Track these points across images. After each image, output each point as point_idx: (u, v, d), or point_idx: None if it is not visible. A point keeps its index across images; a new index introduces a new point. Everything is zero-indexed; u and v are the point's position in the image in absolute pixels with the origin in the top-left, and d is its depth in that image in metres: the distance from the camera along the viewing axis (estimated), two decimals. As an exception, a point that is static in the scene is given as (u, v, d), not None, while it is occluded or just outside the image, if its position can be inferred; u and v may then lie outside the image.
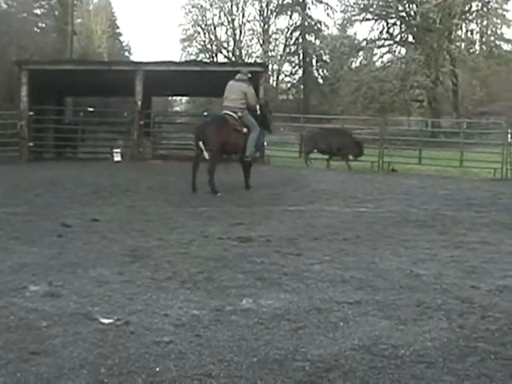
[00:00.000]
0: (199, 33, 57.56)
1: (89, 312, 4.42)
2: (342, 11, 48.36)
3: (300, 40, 55.72)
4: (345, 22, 48.14)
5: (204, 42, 57.90)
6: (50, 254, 6.25)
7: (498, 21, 45.22)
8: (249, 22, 57.15)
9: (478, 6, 45.07)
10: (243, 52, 57.21)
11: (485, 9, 44.95)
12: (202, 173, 11.40)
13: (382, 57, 47.74)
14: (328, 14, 61.31)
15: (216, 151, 11.57)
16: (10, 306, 4.53)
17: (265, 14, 56.89)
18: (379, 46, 47.19)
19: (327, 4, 54.82)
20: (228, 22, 57.24)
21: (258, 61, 48.94)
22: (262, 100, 13.21)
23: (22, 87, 19.57)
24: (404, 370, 3.54)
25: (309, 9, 55.93)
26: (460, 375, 3.48)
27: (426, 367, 3.57)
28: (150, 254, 6.29)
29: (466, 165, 18.78)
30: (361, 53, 48.32)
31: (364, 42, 46.79)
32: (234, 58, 54.57)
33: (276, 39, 57.33)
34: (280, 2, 56.21)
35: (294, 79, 57.38)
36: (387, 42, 46.79)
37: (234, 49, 57.25)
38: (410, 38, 45.99)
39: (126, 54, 62.40)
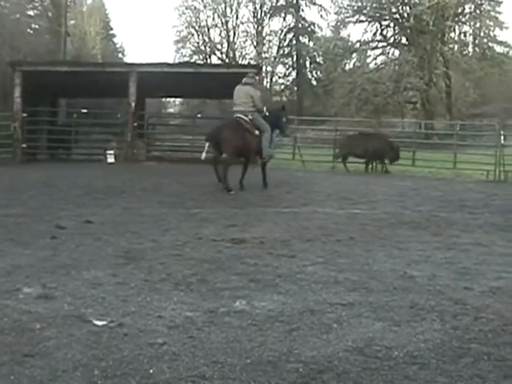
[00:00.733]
0: (193, 34, 57.54)
1: (82, 314, 4.41)
2: (335, 13, 48.60)
3: (294, 42, 55.77)
4: (338, 23, 48.26)
5: (198, 43, 57.88)
6: (44, 255, 6.23)
7: (491, 23, 45.43)
8: (243, 23, 57.20)
9: (470, 8, 45.26)
10: (237, 54, 57.21)
11: (478, 11, 45.16)
12: (200, 174, 11.39)
13: (375, 59, 47.88)
14: (321, 16, 61.85)
15: (231, 154, 11.97)
16: (3, 308, 4.51)
17: (258, 16, 56.93)
18: (373, 48, 47.29)
19: (321, 6, 55.01)
20: (222, 23, 57.25)
21: (252, 62, 48.94)
22: (280, 105, 13.45)
23: (15, 88, 19.54)
24: (397, 371, 3.55)
25: (302, 10, 56.04)
26: (453, 376, 3.49)
27: (420, 368, 3.59)
28: (144, 256, 6.28)
29: (459, 166, 18.88)
30: (354, 54, 48.35)
31: (357, 44, 46.87)
32: (227, 60, 54.55)
33: (270, 41, 57.39)
34: (274, 4, 56.26)
35: (288, 81, 57.44)
36: (381, 44, 46.90)
37: (227, 50, 57.25)
38: (404, 40, 46.11)
39: (120, 55, 62.33)
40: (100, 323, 4.23)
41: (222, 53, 57.55)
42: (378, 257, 6.46)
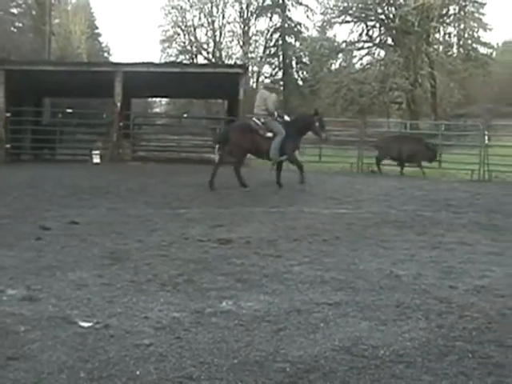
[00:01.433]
0: (179, 34, 57.28)
1: (68, 315, 4.39)
2: (321, 13, 48.52)
3: (280, 42, 55.70)
4: (324, 24, 48.31)
5: (184, 43, 57.65)
6: (29, 257, 6.19)
7: (475, 24, 45.66)
8: (229, 23, 57.00)
9: (455, 9, 45.54)
10: (223, 53, 57.07)
11: (462, 12, 45.43)
12: (186, 174, 11.37)
13: (361, 59, 47.96)
14: (308, 16, 61.81)
15: (238, 154, 12.50)
16: (-13, 309, 4.48)
17: (245, 16, 56.79)
18: (359, 49, 47.40)
19: (307, 6, 54.88)
20: (208, 23, 57.04)
21: (238, 62, 48.88)
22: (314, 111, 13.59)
23: (-2, 87, 19.37)
24: (384, 369, 3.57)
25: (289, 11, 55.95)
26: (439, 374, 3.52)
27: (406, 367, 3.61)
28: (130, 257, 6.26)
29: (444, 166, 18.97)
30: (340, 55, 48.47)
31: (343, 44, 46.97)
32: (214, 60, 54.42)
33: (256, 41, 57.23)
34: (260, 4, 56.17)
35: (275, 81, 57.38)
36: (366, 45, 47.01)
37: (214, 50, 57.08)
38: (389, 41, 46.29)
39: (106, 54, 61.99)
40: (85, 325, 4.21)
41: (208, 52, 57.38)
42: (363, 256, 6.49)
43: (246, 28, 56.91)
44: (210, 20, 56.83)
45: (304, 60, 53.92)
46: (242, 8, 56.53)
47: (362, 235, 7.77)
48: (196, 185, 12.36)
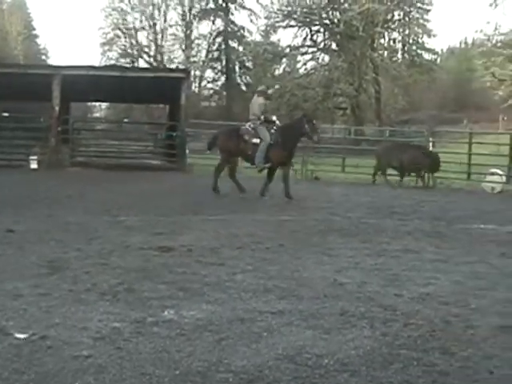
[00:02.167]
0: (120, 37, 56.57)
1: (3, 327, 4.25)
2: (265, 17, 48.51)
3: (223, 46, 55.69)
4: (268, 28, 48.32)
5: (125, 46, 56.98)
6: (-39, 266, 5.95)
7: (420, 30, 46.57)
8: (171, 26, 56.64)
9: (399, 15, 46.36)
10: (165, 57, 56.65)
11: (406, 18, 46.29)
12: (125, 181, 11.19)
13: (305, 64, 48.16)
14: (251, 20, 61.64)
15: (222, 156, 13.49)
16: None
17: (187, 19, 56.50)
18: (303, 53, 47.66)
19: (251, 10, 54.97)
20: (150, 26, 56.55)
21: (180, 67, 48.69)
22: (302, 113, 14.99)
23: None
24: (328, 379, 3.55)
25: (232, 14, 56.01)
26: (383, 383, 3.52)
27: (350, 375, 3.60)
28: (69, 266, 6.09)
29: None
30: (284, 60, 48.64)
31: (287, 49, 47.13)
32: (155, 64, 53.96)
33: (199, 45, 57.03)
34: (203, 7, 56.02)
35: (217, 86, 57.28)
36: (311, 49, 47.31)
37: (155, 54, 56.62)
38: (334, 46, 46.69)
39: (43, 57, 60.89)
40: (22, 336, 4.08)
41: (149, 56, 56.88)
42: (307, 264, 6.48)
43: (189, 31, 56.68)
44: (151, 23, 56.39)
45: (247, 65, 53.98)
46: (184, 11, 56.27)
47: (306, 243, 7.77)
48: (136, 192, 12.19)
